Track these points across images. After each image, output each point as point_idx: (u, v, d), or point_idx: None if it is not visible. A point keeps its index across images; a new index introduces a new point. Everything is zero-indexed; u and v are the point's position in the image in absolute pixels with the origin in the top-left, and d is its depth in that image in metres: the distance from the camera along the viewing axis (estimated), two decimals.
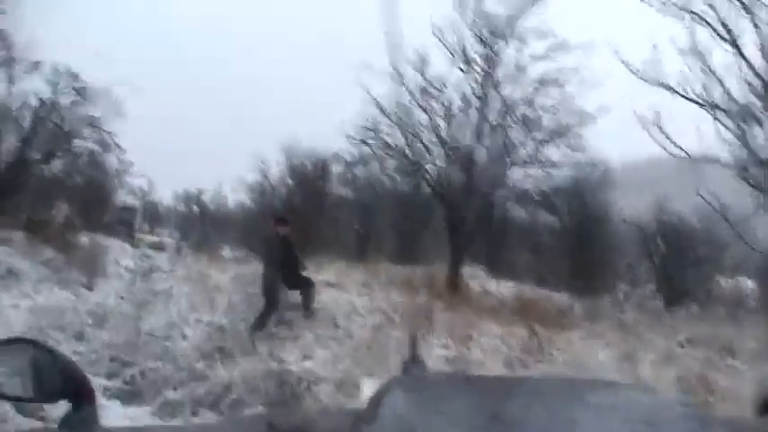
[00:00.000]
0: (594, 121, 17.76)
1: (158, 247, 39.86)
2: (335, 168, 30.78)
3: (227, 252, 40.03)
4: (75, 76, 20.87)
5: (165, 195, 54.69)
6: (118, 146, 22.42)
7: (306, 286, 11.63)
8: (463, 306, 13.28)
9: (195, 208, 50.22)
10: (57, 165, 21.79)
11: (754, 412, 1.59)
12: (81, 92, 21.02)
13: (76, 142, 21.68)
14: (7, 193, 18.36)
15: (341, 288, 13.61)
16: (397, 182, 25.66)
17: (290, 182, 34.01)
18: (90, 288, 15.79)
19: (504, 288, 17.34)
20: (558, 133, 18.40)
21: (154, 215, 54.99)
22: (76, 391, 1.40)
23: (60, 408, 1.42)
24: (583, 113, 17.90)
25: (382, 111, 19.15)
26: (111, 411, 7.12)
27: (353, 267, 17.39)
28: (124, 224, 41.21)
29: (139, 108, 33.81)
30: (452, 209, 18.42)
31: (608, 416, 1.25)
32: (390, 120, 19.19)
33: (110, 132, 21.89)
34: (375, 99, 19.08)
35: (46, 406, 2.33)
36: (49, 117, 20.43)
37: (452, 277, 16.68)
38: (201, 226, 48.15)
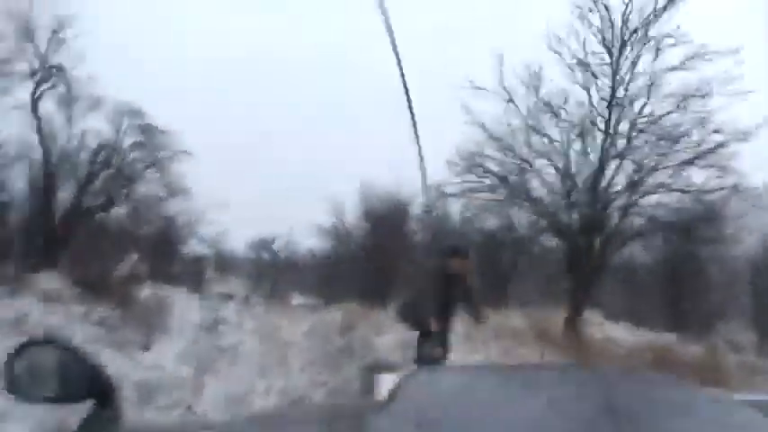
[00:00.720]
0: (746, 139, 14.79)
1: (226, 297, 38.42)
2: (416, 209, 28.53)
3: (298, 299, 38.37)
4: (138, 114, 19.39)
5: (236, 243, 53.67)
6: (185, 190, 20.78)
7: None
8: (590, 358, 10.82)
9: (266, 256, 48.74)
10: (117, 212, 20.24)
11: None
12: (145, 131, 19.58)
13: (140, 187, 20.19)
14: (62, 245, 16.91)
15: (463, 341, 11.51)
16: (484, 219, 23.17)
17: (365, 225, 32.00)
18: (147, 348, 13.94)
19: (628, 334, 14.67)
20: (701, 154, 15.55)
21: (224, 264, 53.86)
22: (101, 391, 1.46)
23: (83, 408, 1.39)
24: (732, 130, 15.00)
25: (490, 135, 16.83)
26: None
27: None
28: (193, 275, 39.88)
29: (208, 152, 32.61)
30: (573, 245, 15.98)
31: (639, 409, 1.22)
32: (499, 145, 16.84)
33: (176, 175, 20.33)
34: (481, 123, 16.70)
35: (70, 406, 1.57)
36: (109, 160, 18.97)
37: (571, 324, 14.13)
38: (272, 273, 46.55)
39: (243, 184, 47.78)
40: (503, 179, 17.07)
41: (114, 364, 11.63)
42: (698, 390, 1.61)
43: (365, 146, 44.93)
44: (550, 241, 18.67)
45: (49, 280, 13.80)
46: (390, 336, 12.74)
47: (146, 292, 19.44)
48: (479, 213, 17.90)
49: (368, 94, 48.82)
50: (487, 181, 17.32)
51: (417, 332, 8.73)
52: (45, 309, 11.52)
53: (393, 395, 1.34)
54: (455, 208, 21.45)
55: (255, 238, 46.03)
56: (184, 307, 24.07)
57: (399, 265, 28.19)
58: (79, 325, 12.07)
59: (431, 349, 8.27)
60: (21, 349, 1.51)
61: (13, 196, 16.89)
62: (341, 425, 1.37)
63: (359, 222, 32.57)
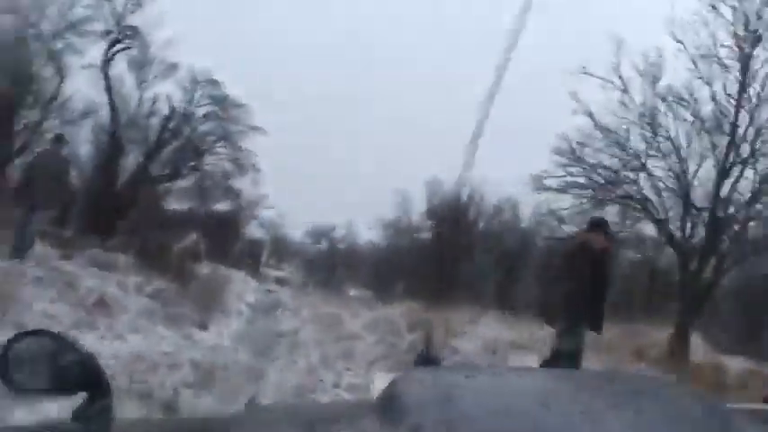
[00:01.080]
0: None
1: (283, 282, 37.81)
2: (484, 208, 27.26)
3: (354, 291, 37.47)
4: (213, 84, 18.60)
5: (295, 230, 53.21)
6: (255, 167, 19.86)
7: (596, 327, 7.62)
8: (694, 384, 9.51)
9: (324, 244, 47.94)
10: (184, 184, 19.44)
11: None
12: (219, 102, 18.74)
13: (208, 159, 19.40)
14: (122, 212, 16.22)
15: (530, 350, 10.33)
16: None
17: (429, 222, 30.84)
18: (204, 327, 13.10)
19: (737, 362, 13.10)
20: None
21: (282, 250, 53.40)
22: (93, 381, 1.39)
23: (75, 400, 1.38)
24: None
25: (599, 127, 15.38)
26: None
27: (522, 323, 14.03)
28: (250, 257, 39.33)
29: (276, 134, 31.94)
30: (687, 260, 14.42)
31: (628, 408, 1.23)
32: (609, 138, 15.39)
33: (247, 151, 19.42)
34: (589, 112, 15.27)
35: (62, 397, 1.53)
36: (179, 129, 18.22)
37: (677, 346, 12.62)
38: (329, 264, 45.74)
39: (308, 169, 46.92)
40: (610, 177, 15.60)
41: (170, 340, 10.83)
42: (704, 396, 1.49)
43: (434, 144, 43.68)
44: (653, 252, 17.10)
45: (106, 247, 13.05)
46: (468, 339, 11.77)
47: (204, 269, 18.70)
48: (579, 212, 16.30)
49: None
50: (593, 177, 15.84)
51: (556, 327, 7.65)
52: (99, 275, 10.72)
53: (385, 395, 1.31)
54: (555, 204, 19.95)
55: (314, 225, 45.00)
56: (242, 288, 23.36)
57: (463, 267, 26.98)
58: (134, 296, 11.24)
59: (571, 344, 7.17)
60: (14, 339, 1.46)
61: (76, 156, 16.31)
62: (330, 424, 1.31)
63: (423, 219, 31.47)
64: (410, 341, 12.57)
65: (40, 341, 1.46)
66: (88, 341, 7.90)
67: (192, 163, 18.45)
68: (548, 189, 16.67)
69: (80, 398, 1.40)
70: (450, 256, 27.61)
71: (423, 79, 48.63)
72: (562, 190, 16.32)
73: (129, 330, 9.33)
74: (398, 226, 33.19)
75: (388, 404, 1.25)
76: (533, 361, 9.07)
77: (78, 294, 9.30)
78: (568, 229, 19.16)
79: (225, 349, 11.28)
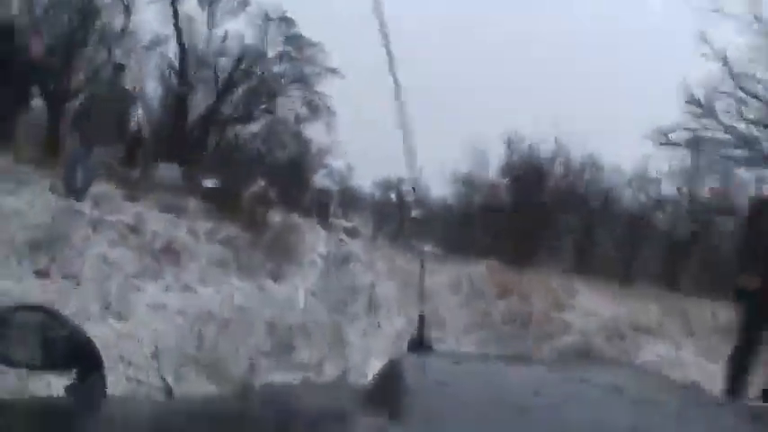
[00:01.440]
0: None
1: (353, 233, 36.85)
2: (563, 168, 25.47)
3: (426, 246, 36.21)
4: (288, 23, 17.35)
5: (363, 182, 52.31)
6: (329, 109, 18.55)
7: None
8: None
9: (393, 197, 46.83)
10: (255, 127, 18.37)
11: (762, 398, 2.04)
12: (293, 42, 17.51)
13: (281, 102, 18.24)
14: (191, 154, 15.34)
15: (663, 338, 8.90)
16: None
17: (504, 180, 29.21)
18: (278, 278, 12.17)
19: None
20: None
21: (349, 201, 52.62)
22: (84, 357, 1.39)
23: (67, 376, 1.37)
24: None
25: (734, 75, 13.42)
26: None
27: (630, 297, 12.64)
28: (319, 207, 38.51)
29: (353, 78, 30.63)
30: None
31: (612, 396, 1.24)
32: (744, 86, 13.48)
33: (322, 94, 18.13)
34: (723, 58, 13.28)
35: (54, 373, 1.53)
36: (251, 69, 17.12)
37: None
38: (399, 217, 44.61)
39: (380, 117, 45.65)
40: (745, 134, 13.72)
41: (243, 293, 9.93)
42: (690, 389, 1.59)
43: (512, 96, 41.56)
44: None
45: (175, 190, 12.17)
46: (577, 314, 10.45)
47: (275, 217, 17.80)
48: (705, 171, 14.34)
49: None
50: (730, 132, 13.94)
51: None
52: (167, 220, 9.78)
53: (378, 381, 1.31)
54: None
55: (383, 176, 43.72)
56: (313, 238, 22.49)
57: (544, 228, 25.35)
58: (205, 243, 10.31)
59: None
60: (4, 314, 1.39)
61: (144, 93, 15.44)
62: (318, 408, 1.27)
63: (499, 175, 29.81)
64: (502, 310, 11.32)
65: (33, 316, 1.41)
66: (151, 291, 7.00)
67: (264, 105, 17.31)
68: (674, 144, 14.75)
69: (72, 374, 1.36)
70: (529, 215, 26.09)
71: (507, 37, 46.36)
72: (692, 145, 14.42)
73: (200, 281, 8.40)
74: (472, 182, 31.66)
75: (380, 389, 1.25)
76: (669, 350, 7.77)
77: (143, 239, 8.34)
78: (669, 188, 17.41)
79: (301, 306, 10.32)
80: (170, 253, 8.32)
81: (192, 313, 6.44)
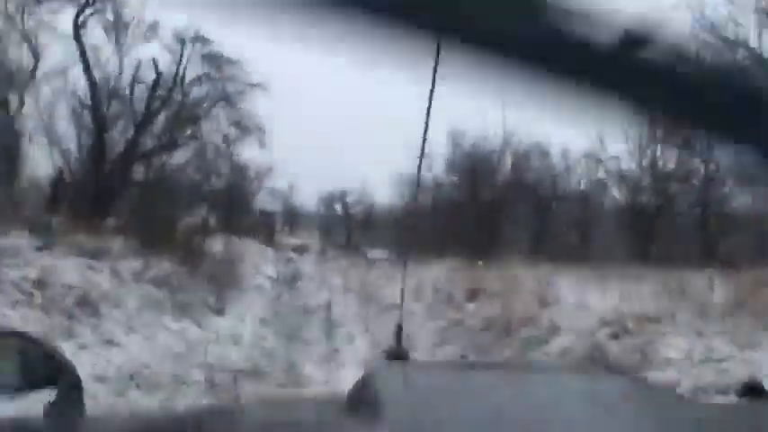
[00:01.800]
0: None
1: (301, 249, 35.88)
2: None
3: (374, 253, 35.55)
4: (204, 42, 16.07)
5: (307, 199, 51.26)
6: (259, 128, 17.41)
7: None
8: None
9: (338, 208, 45.95)
10: (182, 156, 17.06)
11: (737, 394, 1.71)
12: (212, 62, 16.38)
13: (207, 125, 16.96)
14: (114, 194, 14.16)
15: (675, 326, 7.65)
16: None
17: (454, 177, 28.58)
18: (221, 311, 11.22)
19: None
20: None
21: (294, 219, 51.54)
22: (63, 379, 1.47)
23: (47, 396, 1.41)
24: None
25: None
26: None
27: (616, 281, 11.75)
28: (263, 228, 37.42)
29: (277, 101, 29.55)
30: None
31: (599, 404, 1.24)
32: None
33: (249, 112, 16.90)
34: None
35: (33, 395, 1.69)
36: (170, 95, 16.01)
37: None
38: (346, 227, 43.80)
39: (314, 128, 44.39)
40: None
41: (181, 335, 8.97)
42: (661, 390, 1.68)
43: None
44: None
45: (98, 232, 11.11)
46: (568, 311, 9.27)
47: (216, 245, 16.76)
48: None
49: None
50: None
51: None
52: (83, 266, 8.75)
53: (356, 390, 1.31)
54: None
55: (327, 191, 42.91)
56: (259, 259, 21.48)
57: (498, 222, 24.78)
58: (132, 285, 9.29)
59: None
60: None
61: (57, 137, 14.24)
62: (299, 420, 1.27)
63: (446, 173, 29.12)
64: (475, 315, 10.38)
65: (8, 341, 1.50)
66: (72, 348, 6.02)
67: (189, 131, 16.19)
68: None
69: (51, 394, 1.42)
70: (480, 210, 25.53)
71: None
72: None
73: (126, 330, 7.39)
74: (418, 182, 30.97)
75: (359, 400, 1.24)
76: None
77: (52, 294, 7.26)
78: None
79: (249, 339, 9.40)
80: (86, 304, 7.28)
81: (113, 375, 5.50)
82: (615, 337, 7.50)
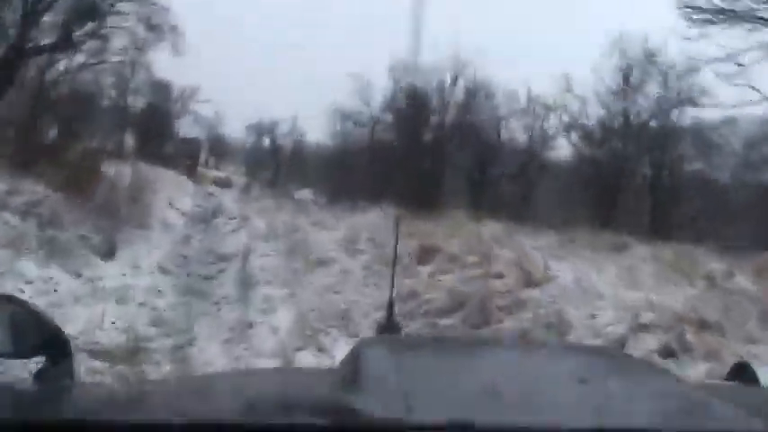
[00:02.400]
0: None
1: (224, 183, 33.20)
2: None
3: (302, 194, 33.27)
4: None
5: (234, 126, 48.08)
6: (174, 29, 14.29)
7: None
8: None
9: (267, 141, 43.02)
10: (81, 58, 14.00)
11: (726, 377, 1.70)
12: None
13: (111, 21, 13.91)
14: None
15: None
16: None
17: (392, 115, 26.30)
18: (109, 254, 8.89)
19: None
20: None
21: (219, 149, 48.41)
22: (52, 345, 1.39)
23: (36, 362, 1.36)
24: None
25: None
26: None
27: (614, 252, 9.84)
28: (185, 158, 34.50)
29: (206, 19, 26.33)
30: None
31: (586, 380, 1.22)
32: None
33: (162, 8, 13.76)
34: None
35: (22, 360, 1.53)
36: None
37: None
38: (274, 163, 41.09)
39: (243, 54, 41.27)
40: None
41: (45, 286, 6.73)
42: (656, 370, 1.53)
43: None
44: None
45: None
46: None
47: (121, 172, 14.23)
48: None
49: None
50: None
51: None
52: None
53: (347, 362, 1.29)
54: None
55: (255, 120, 39.92)
56: (176, 193, 18.90)
57: (438, 166, 22.72)
58: None
59: None
60: None
61: None
62: (286, 391, 1.27)
63: (384, 110, 26.77)
64: (431, 284, 8.21)
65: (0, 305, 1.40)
66: None
67: (88, 26, 13.13)
68: (706, 21, 11.21)
69: (41, 360, 1.36)
70: (419, 152, 23.42)
71: None
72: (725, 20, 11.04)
73: None
74: (354, 119, 28.50)
75: (350, 373, 1.24)
76: None
77: None
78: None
79: (139, 295, 7.17)
80: None
81: None
82: (670, 354, 5.05)
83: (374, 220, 14.66)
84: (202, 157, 43.06)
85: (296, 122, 39.22)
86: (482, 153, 23.37)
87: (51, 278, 7.06)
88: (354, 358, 1.30)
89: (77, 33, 12.60)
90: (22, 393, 1.23)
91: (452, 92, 22.03)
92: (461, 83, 21.70)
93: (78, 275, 7.63)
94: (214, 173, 38.85)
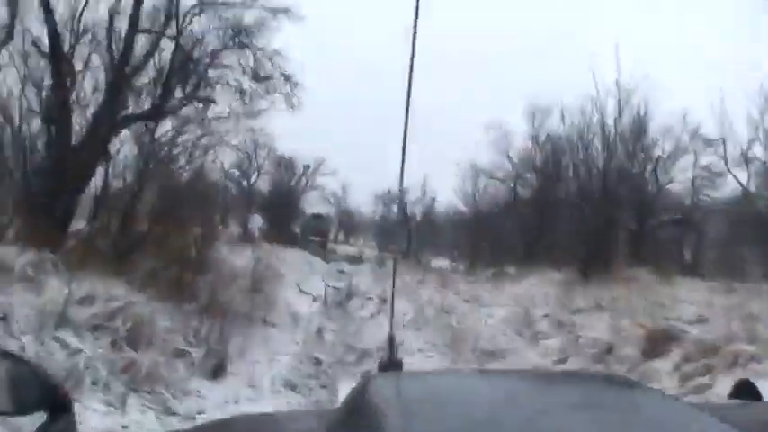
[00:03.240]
0: None
1: (356, 260, 31.14)
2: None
3: (441, 263, 30.76)
4: None
5: (360, 198, 46.58)
6: (289, 78, 11.40)
7: None
8: None
9: (394, 210, 40.91)
10: (178, 126, 11.75)
11: (729, 394, 1.75)
12: None
13: (214, 78, 10.97)
14: (77, 186, 9.35)
15: None
16: None
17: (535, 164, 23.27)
18: (219, 372, 6.54)
19: None
20: None
21: (348, 223, 47.00)
22: (54, 400, 1.35)
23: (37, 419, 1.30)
24: None
25: None
26: None
27: None
28: (315, 234, 32.91)
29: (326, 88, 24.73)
30: None
31: (590, 407, 1.23)
32: None
33: (273, 53, 11.08)
34: None
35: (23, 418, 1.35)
36: (159, 30, 10.57)
37: None
38: (406, 232, 38.99)
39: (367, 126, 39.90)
40: None
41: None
42: (663, 396, 1.43)
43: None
44: None
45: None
46: None
47: (237, 256, 12.25)
48: None
49: None
50: None
51: None
52: None
53: (350, 401, 1.32)
54: None
55: (383, 189, 38.11)
56: (302, 276, 16.72)
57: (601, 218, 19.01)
58: None
59: None
60: None
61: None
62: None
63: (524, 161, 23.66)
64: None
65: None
66: None
67: (192, 88, 10.84)
68: None
69: (42, 417, 1.31)
70: (567, 207, 20.05)
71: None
72: None
73: None
74: (493, 173, 25.55)
75: (354, 410, 1.24)
76: None
77: None
78: None
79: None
80: None
81: None
82: None
83: (537, 289, 11.90)
84: (334, 232, 41.63)
85: (426, 185, 37.06)
86: (643, 200, 19.63)
87: (126, 427, 4.76)
88: (357, 395, 1.29)
89: (174, 97, 10.73)
90: None
91: (617, 128, 18.16)
92: (624, 118, 17.93)
93: (170, 412, 5.32)
94: (344, 248, 37.13)
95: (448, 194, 37.71)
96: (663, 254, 18.84)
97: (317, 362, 8.42)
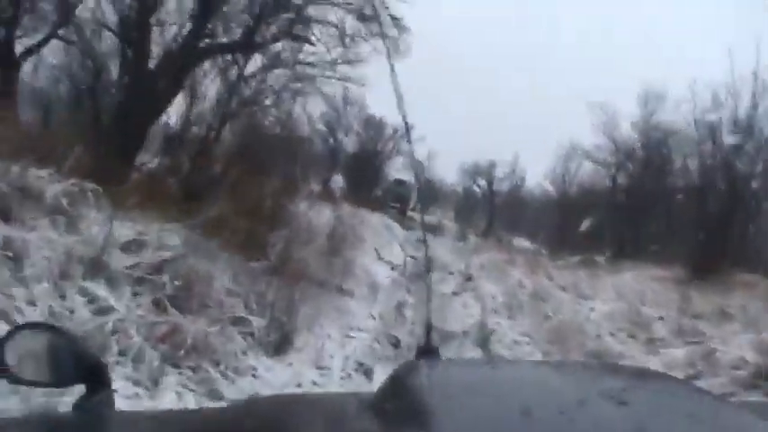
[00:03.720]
0: None
1: (436, 229, 29.81)
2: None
3: (522, 243, 29.10)
4: None
5: (447, 168, 45.13)
6: (397, 20, 9.78)
7: None
8: None
9: (482, 185, 39.35)
10: (267, 65, 10.54)
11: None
12: None
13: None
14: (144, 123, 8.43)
15: None
16: None
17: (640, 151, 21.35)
18: (283, 346, 5.44)
19: None
20: None
21: (429, 193, 45.62)
22: (92, 374, 1.35)
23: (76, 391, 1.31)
24: None
25: None
26: None
27: None
28: (396, 200, 31.73)
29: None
30: None
31: (627, 401, 1.17)
32: None
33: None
34: None
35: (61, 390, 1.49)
36: None
37: None
38: (489, 208, 37.44)
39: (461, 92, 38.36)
40: None
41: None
42: (697, 391, 1.41)
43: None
44: None
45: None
46: None
47: (315, 214, 11.15)
48: None
49: None
50: None
51: None
52: None
53: (386, 387, 1.29)
54: None
55: (470, 162, 36.53)
56: (381, 242, 15.58)
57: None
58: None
59: None
60: (13, 333, 1.38)
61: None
62: (327, 417, 1.28)
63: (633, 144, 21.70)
64: None
65: (39, 334, 1.40)
66: None
67: (287, 19, 9.64)
68: None
69: (80, 390, 1.31)
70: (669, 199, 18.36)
71: None
72: None
73: None
74: (594, 157, 23.66)
75: (389, 397, 1.23)
76: None
77: None
78: None
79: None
80: None
81: None
82: None
83: (641, 285, 10.50)
84: (414, 200, 40.46)
85: (517, 163, 35.31)
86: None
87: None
88: (393, 382, 1.28)
89: (266, 31, 9.58)
90: (61, 423, 1.30)
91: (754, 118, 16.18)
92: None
93: (216, 396, 4.22)
94: (424, 217, 35.91)
95: (537, 177, 35.92)
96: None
97: (396, 343, 7.27)
